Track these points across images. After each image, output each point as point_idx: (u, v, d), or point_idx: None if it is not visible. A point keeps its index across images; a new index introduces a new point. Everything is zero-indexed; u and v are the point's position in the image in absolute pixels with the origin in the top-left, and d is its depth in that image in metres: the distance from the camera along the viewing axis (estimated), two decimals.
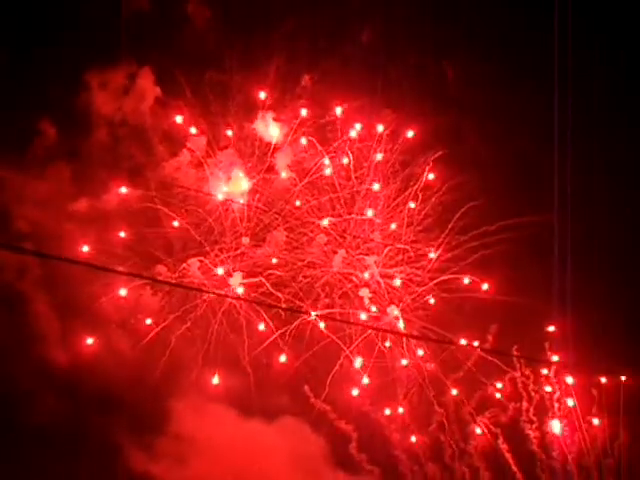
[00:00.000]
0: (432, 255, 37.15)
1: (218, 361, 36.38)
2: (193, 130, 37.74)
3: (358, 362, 36.35)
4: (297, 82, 38.20)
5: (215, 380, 36.08)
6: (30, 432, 33.39)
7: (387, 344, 36.60)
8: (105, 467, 33.63)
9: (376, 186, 38.00)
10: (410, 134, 37.93)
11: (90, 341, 35.76)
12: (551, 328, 35.80)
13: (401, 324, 36.76)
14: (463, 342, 35.77)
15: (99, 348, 35.72)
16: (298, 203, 38.14)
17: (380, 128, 38.06)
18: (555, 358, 35.46)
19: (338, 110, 38.15)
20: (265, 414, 35.30)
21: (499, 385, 35.66)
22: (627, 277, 35.38)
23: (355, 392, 36.00)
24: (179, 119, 37.69)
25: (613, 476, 33.69)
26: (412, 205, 37.72)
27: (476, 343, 35.52)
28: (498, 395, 35.57)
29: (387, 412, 35.87)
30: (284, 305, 37.18)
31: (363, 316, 37.06)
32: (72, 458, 33.38)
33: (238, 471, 33.84)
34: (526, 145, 36.72)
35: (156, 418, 34.52)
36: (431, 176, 37.70)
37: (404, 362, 36.21)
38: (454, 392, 35.94)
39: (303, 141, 38.21)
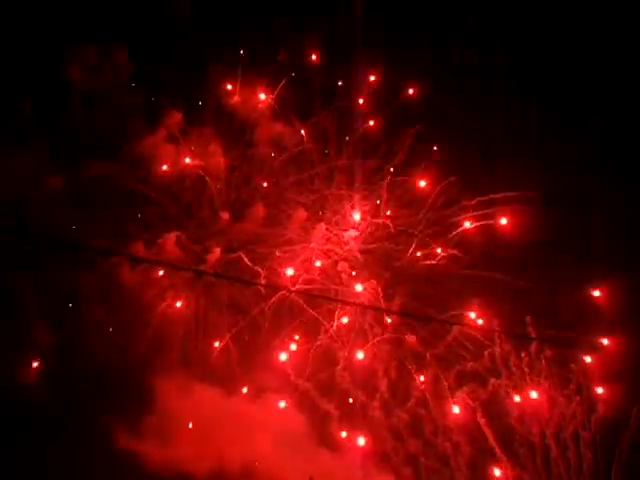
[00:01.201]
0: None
1: (200, 338, 36.43)
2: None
3: (283, 356, 36.41)
4: (274, 57, 38.01)
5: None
6: (17, 413, 33.36)
7: (344, 320, 36.69)
8: (91, 446, 33.63)
9: None
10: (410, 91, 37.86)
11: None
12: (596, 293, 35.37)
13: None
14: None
15: (82, 327, 35.58)
16: (265, 184, 37.91)
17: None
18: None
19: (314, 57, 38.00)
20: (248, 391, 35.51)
21: None
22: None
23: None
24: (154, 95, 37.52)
25: (589, 449, 34.16)
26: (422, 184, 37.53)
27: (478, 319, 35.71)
28: None
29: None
30: (263, 281, 37.06)
31: None
32: (59, 438, 33.42)
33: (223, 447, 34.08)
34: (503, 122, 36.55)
35: (141, 396, 34.53)
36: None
37: (360, 356, 36.32)
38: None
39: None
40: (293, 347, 36.31)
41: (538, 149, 35.71)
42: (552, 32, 35.80)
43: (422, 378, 35.67)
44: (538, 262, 34.92)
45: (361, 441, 35.06)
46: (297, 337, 36.38)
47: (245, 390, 35.62)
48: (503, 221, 36.26)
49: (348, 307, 36.52)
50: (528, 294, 34.63)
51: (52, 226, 35.31)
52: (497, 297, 35.02)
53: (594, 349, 34.20)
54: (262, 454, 33.91)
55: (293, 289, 37.25)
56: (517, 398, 34.87)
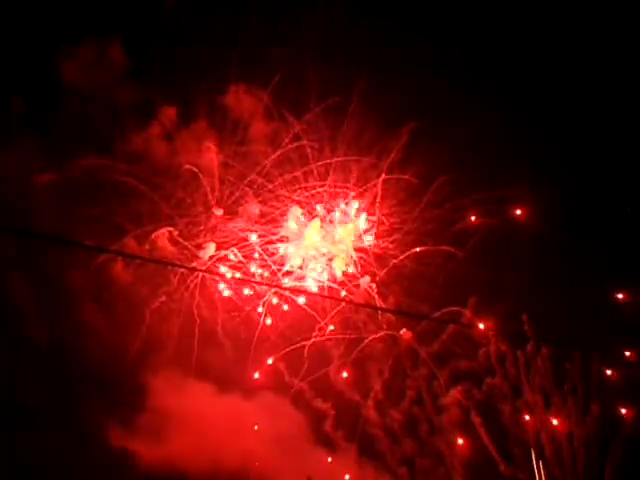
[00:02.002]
0: None
1: (194, 335, 36.27)
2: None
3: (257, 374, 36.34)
4: (268, 54, 37.69)
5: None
6: (10, 410, 33.21)
7: (331, 328, 36.58)
8: (85, 444, 33.52)
9: None
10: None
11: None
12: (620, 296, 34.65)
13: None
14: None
15: (75, 324, 35.38)
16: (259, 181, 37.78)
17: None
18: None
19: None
20: (242, 389, 35.44)
21: None
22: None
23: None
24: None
25: (583, 447, 34.22)
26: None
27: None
28: None
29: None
30: (257, 279, 36.94)
31: None
32: (53, 435, 33.23)
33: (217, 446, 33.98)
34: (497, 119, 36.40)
35: (134, 393, 34.44)
36: None
37: (345, 375, 36.13)
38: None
39: None
40: (269, 361, 36.33)
41: (539, 148, 35.70)
42: (547, 33, 35.82)
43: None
44: (537, 259, 34.91)
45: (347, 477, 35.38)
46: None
47: (240, 388, 35.66)
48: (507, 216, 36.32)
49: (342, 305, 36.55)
50: (526, 292, 34.59)
51: (45, 222, 35.31)
52: (495, 295, 34.99)
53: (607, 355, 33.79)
54: (257, 453, 33.85)
55: (286, 286, 37.12)
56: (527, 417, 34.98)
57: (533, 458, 34.10)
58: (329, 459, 35.09)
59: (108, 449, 33.57)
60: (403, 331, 36.20)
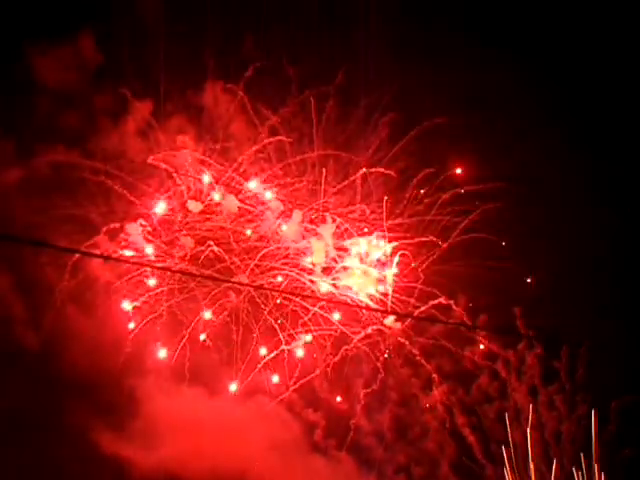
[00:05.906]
0: None
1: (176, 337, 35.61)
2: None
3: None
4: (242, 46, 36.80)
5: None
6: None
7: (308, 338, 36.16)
8: (74, 450, 33.05)
9: None
10: None
11: None
12: None
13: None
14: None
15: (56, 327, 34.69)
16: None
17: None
18: None
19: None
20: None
21: None
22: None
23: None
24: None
25: (569, 443, 34.32)
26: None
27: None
28: None
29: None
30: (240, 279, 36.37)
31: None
32: (41, 442, 32.89)
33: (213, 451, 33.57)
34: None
35: (124, 399, 34.06)
36: None
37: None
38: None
39: None
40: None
41: (522, 137, 35.37)
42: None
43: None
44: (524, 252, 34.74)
45: None
46: None
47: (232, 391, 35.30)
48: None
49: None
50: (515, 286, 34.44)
51: (16, 222, 34.35)
52: (483, 289, 34.71)
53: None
54: (254, 457, 33.55)
55: (267, 287, 36.62)
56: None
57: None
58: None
59: (100, 456, 33.12)
60: (390, 320, 35.65)
